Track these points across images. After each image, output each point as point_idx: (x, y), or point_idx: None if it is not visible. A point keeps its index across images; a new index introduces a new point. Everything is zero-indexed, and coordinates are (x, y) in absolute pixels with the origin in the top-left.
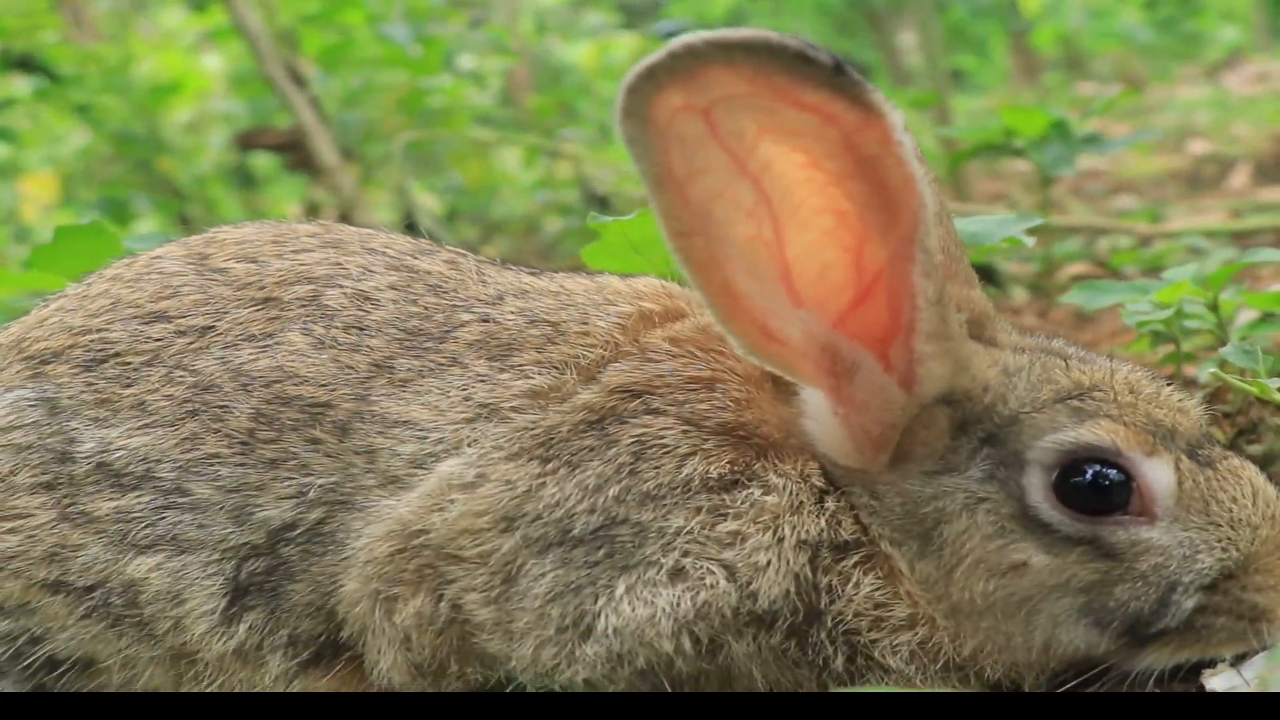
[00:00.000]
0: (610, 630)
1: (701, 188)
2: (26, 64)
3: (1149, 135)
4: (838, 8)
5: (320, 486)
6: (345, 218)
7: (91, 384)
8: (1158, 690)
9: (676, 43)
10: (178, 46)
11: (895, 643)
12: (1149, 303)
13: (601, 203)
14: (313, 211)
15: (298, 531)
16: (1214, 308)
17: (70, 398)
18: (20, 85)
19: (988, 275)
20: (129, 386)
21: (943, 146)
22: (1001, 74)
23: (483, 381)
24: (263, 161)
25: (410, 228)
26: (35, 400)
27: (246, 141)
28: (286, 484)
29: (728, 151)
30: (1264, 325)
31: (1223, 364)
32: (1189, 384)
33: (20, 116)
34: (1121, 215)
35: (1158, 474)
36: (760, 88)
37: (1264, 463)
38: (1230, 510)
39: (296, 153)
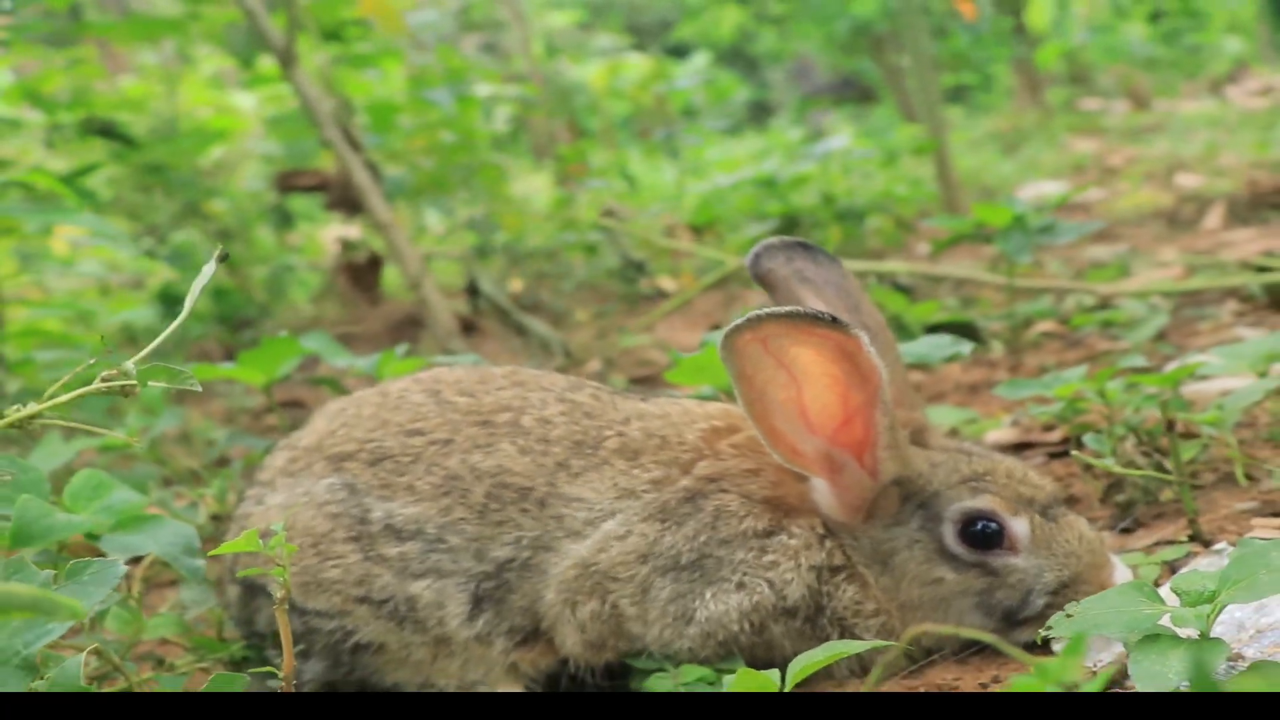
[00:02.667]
0: (703, 618)
1: (760, 376)
2: (107, 131)
3: (1092, 227)
4: (841, 33)
5: (529, 538)
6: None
7: (376, 474)
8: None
9: (752, 314)
10: (219, 90)
11: (867, 625)
12: (1054, 394)
13: (638, 268)
14: (348, 249)
15: (516, 564)
16: (1102, 394)
17: (364, 483)
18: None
19: (970, 333)
20: (402, 476)
21: (941, 190)
22: (1005, 90)
23: (623, 474)
24: (299, 201)
25: (473, 293)
26: (340, 485)
27: (284, 183)
28: (508, 536)
29: (773, 357)
30: (1150, 401)
31: (1082, 447)
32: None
33: (100, 181)
34: (1090, 273)
35: (1019, 526)
36: (793, 328)
37: (1126, 506)
38: (1064, 546)
39: (333, 192)
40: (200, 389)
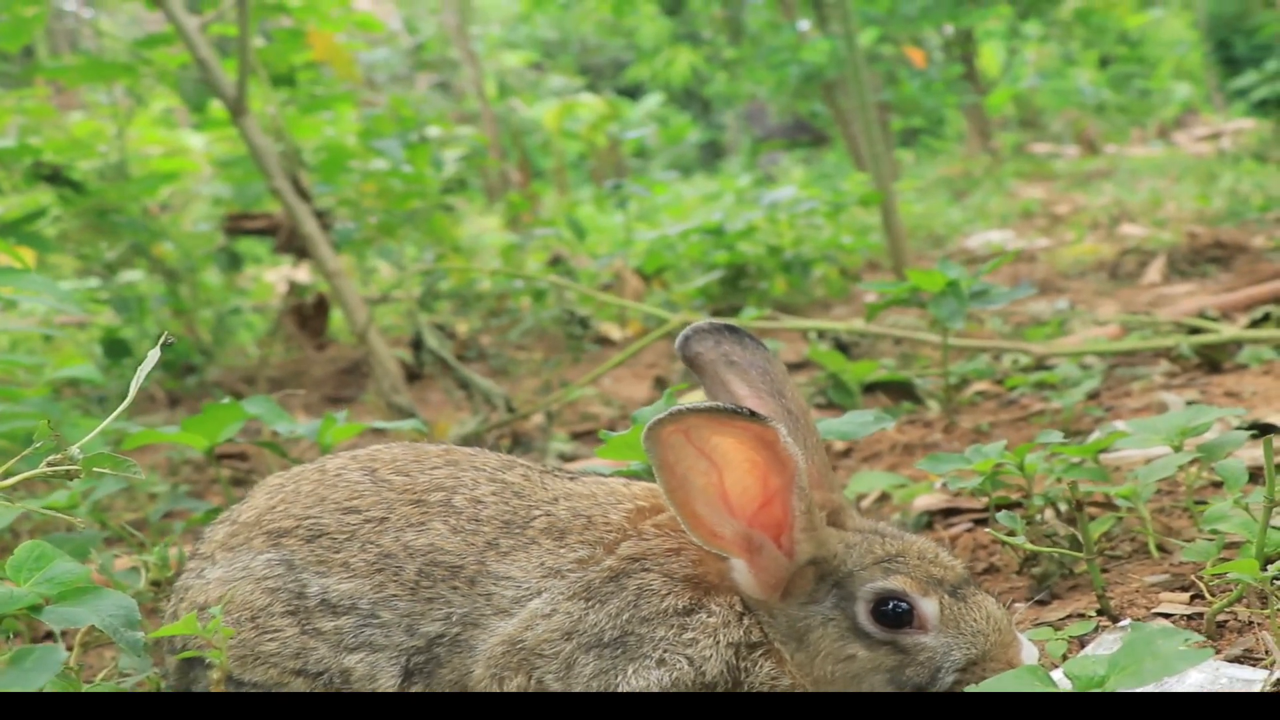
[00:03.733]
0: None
1: (681, 464)
2: (54, 177)
3: (1027, 290)
4: (793, 78)
5: (459, 614)
6: (327, 307)
7: (313, 551)
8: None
9: (675, 409)
10: (170, 129)
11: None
12: (974, 469)
13: (583, 324)
14: (296, 293)
15: (446, 639)
16: (1021, 468)
17: (301, 559)
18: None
19: (908, 393)
20: (338, 553)
21: (887, 241)
22: (956, 134)
23: (550, 554)
24: (247, 242)
25: (417, 346)
26: (278, 560)
27: (233, 225)
28: (438, 612)
29: (695, 446)
30: (1074, 470)
31: (995, 524)
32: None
33: (45, 223)
34: (1028, 331)
35: (929, 606)
36: (713, 421)
37: (1043, 578)
38: (973, 626)
39: (281, 235)
40: (144, 477)
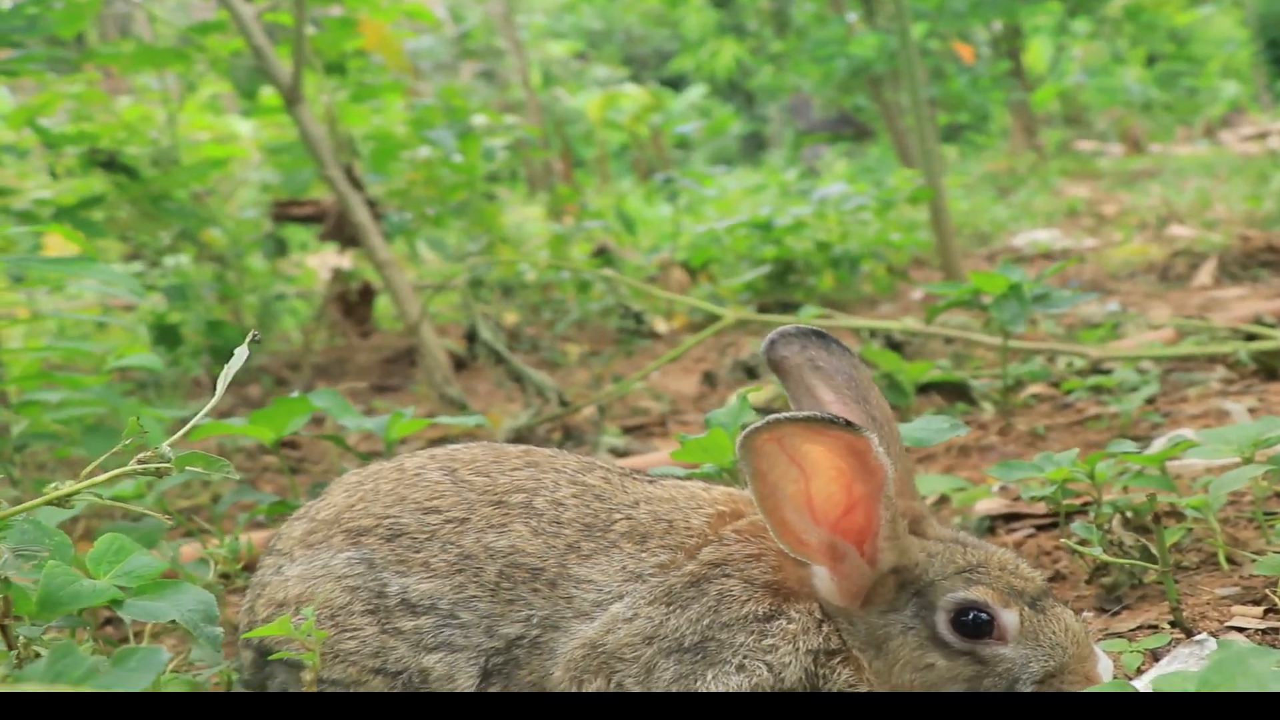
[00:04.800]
0: None
1: (773, 472)
2: (109, 164)
3: (1086, 298)
4: (840, 72)
5: (539, 616)
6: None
7: (393, 550)
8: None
9: (772, 418)
10: (218, 115)
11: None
12: (1046, 478)
13: (637, 319)
14: (340, 279)
15: (525, 641)
16: (1091, 476)
17: (381, 558)
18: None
19: (962, 394)
20: (418, 552)
21: (936, 238)
22: (1001, 130)
23: (631, 558)
24: (293, 228)
25: (471, 338)
26: (359, 559)
27: (280, 212)
28: (519, 614)
29: (787, 454)
30: (1139, 479)
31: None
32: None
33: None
34: (1081, 333)
35: (1009, 618)
36: (808, 430)
37: (1112, 587)
38: (1051, 638)
39: (328, 222)
40: (237, 478)
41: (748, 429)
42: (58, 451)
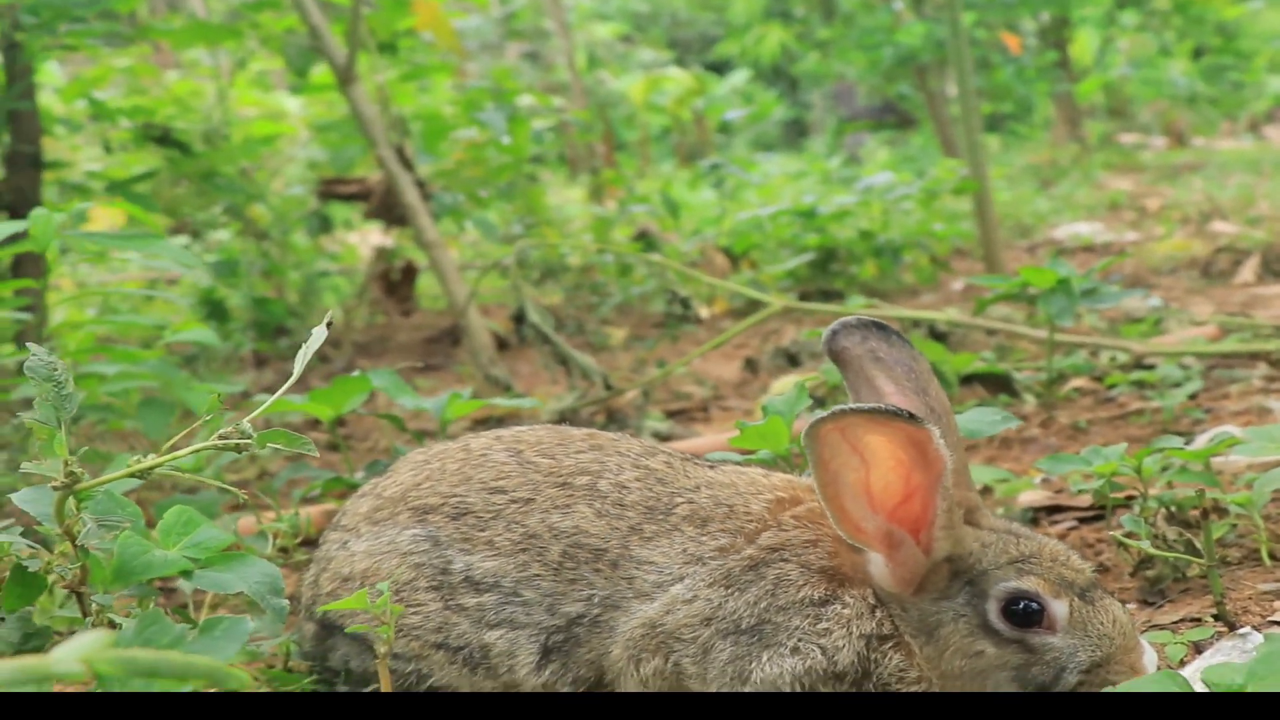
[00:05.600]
0: (758, 680)
1: (835, 461)
2: (163, 139)
3: (1134, 294)
4: (886, 60)
5: (601, 596)
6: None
7: (458, 528)
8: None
9: (837, 409)
10: (266, 91)
11: (909, 691)
12: (1094, 471)
13: (684, 304)
14: (383, 257)
15: (586, 620)
16: (1138, 471)
17: (446, 535)
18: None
19: (1005, 386)
20: (483, 531)
21: (979, 230)
22: (1044, 121)
23: (692, 541)
24: (336, 206)
25: (519, 320)
26: (424, 536)
27: (326, 190)
28: (580, 593)
29: (849, 444)
30: (1183, 474)
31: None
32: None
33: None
34: (1124, 327)
35: (1059, 608)
36: (872, 421)
37: (1155, 581)
38: (1099, 629)
39: (373, 201)
40: (318, 455)
41: (814, 419)
42: (110, 423)
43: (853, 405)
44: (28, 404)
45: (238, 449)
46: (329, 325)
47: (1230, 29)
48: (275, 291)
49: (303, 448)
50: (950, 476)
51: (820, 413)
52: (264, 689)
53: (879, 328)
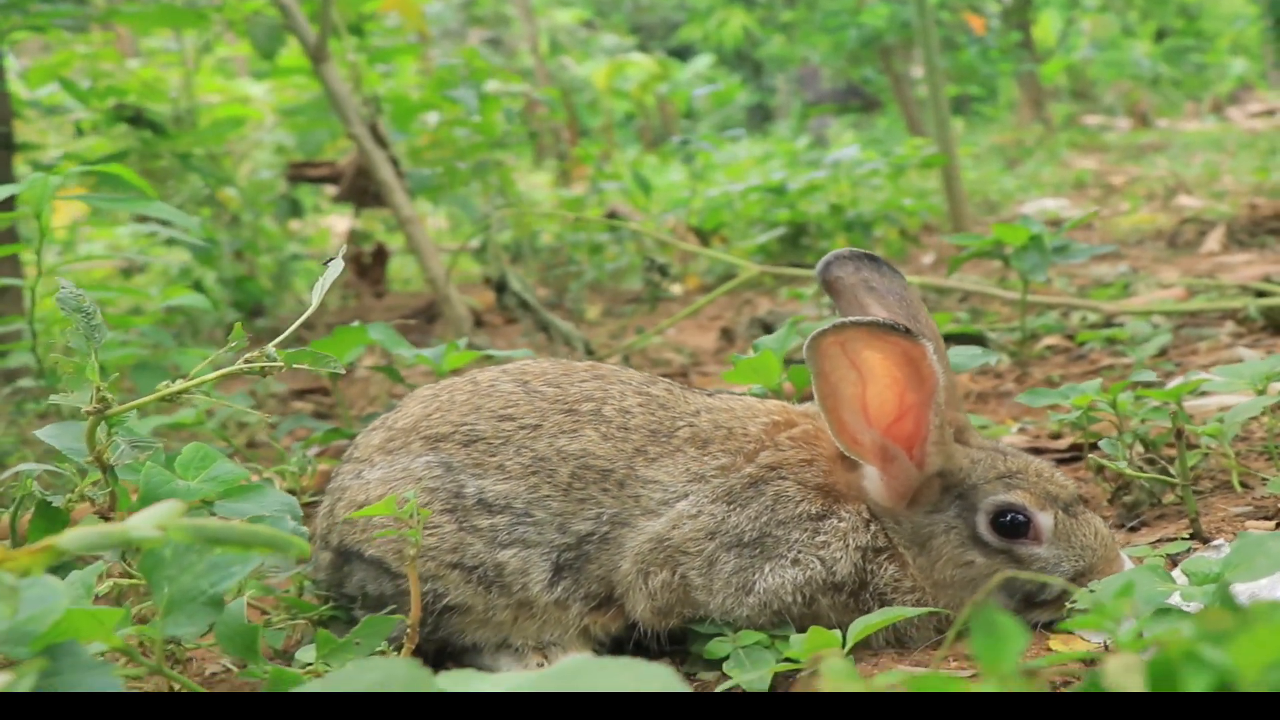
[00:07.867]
0: (761, 590)
1: (834, 373)
2: (136, 119)
3: (1104, 249)
4: (851, 42)
5: (609, 514)
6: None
7: (469, 454)
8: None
9: (837, 321)
10: (229, 78)
11: (904, 599)
12: (1071, 404)
13: (662, 271)
14: (354, 240)
15: (595, 537)
16: (1113, 405)
17: (458, 461)
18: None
19: (980, 345)
20: (494, 456)
21: (948, 204)
22: (1008, 102)
23: (695, 460)
24: (306, 191)
25: (500, 289)
26: (437, 462)
27: (295, 174)
28: (589, 512)
29: (848, 357)
30: (1156, 413)
31: (1095, 450)
32: (1097, 451)
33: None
34: (1094, 291)
35: (1044, 520)
36: (870, 334)
37: (1132, 506)
38: (1082, 540)
39: (343, 184)
40: (344, 371)
41: (815, 331)
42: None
43: (852, 319)
44: (15, 374)
45: (262, 372)
46: (347, 257)
47: (1192, 10)
48: (249, 273)
49: (330, 366)
50: (942, 394)
51: (821, 325)
52: (281, 615)
53: (870, 259)
